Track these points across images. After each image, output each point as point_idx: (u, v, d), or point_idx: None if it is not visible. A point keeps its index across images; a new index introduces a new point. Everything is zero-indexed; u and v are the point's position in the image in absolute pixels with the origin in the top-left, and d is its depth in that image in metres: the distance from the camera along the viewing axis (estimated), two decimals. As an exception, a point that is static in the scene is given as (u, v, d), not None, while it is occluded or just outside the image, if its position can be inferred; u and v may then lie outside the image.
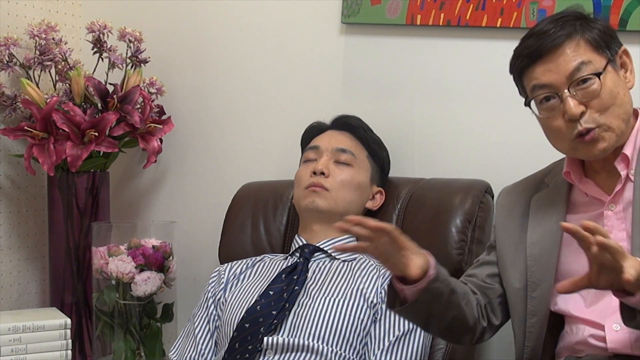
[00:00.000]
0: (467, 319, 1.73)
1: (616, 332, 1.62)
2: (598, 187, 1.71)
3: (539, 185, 1.81)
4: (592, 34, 1.66)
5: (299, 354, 1.95)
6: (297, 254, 2.16)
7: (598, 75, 1.63)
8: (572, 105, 1.63)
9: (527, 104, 1.71)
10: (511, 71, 1.73)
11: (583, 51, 1.64)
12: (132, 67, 2.54)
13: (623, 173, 1.66)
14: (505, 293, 1.79)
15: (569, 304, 1.71)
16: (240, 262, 2.22)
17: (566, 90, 1.63)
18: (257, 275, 2.15)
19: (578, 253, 1.69)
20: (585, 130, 1.63)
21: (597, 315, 1.66)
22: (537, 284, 1.71)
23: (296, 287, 2.04)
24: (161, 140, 2.54)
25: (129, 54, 2.54)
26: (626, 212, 1.66)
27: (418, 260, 1.60)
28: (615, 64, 1.67)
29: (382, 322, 1.98)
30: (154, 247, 2.30)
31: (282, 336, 1.97)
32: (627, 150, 1.67)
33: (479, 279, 1.82)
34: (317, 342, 1.95)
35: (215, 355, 2.10)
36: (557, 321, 1.76)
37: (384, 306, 1.99)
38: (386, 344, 1.96)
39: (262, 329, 1.97)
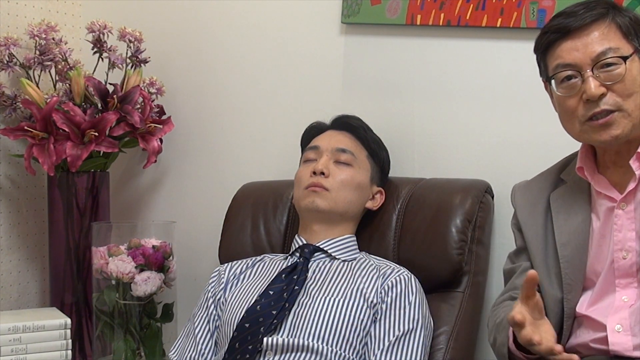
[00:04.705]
0: None
1: (618, 333, 1.62)
2: (610, 184, 1.69)
3: (555, 182, 1.79)
4: (623, 19, 1.64)
5: (298, 354, 1.95)
6: (297, 254, 2.16)
7: (624, 58, 1.61)
8: (593, 85, 1.61)
9: (548, 80, 1.69)
10: (536, 49, 1.72)
11: (612, 36, 1.63)
12: (132, 67, 2.54)
13: (638, 173, 1.64)
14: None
15: (580, 301, 1.70)
16: (240, 262, 2.22)
17: (589, 70, 1.62)
18: (257, 275, 2.15)
19: (598, 253, 1.67)
20: (603, 111, 1.61)
21: (598, 313, 1.65)
22: (571, 286, 1.69)
23: (296, 287, 2.04)
24: (161, 140, 2.54)
25: (129, 54, 2.54)
26: (637, 212, 1.64)
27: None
28: None
29: (382, 322, 1.98)
30: (154, 247, 2.30)
31: (282, 336, 1.97)
32: None
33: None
34: (317, 342, 1.95)
35: (215, 355, 2.10)
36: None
37: (383, 306, 1.99)
38: (386, 343, 1.96)
39: (262, 328, 1.97)
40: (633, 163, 1.65)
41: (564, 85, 1.66)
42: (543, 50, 1.70)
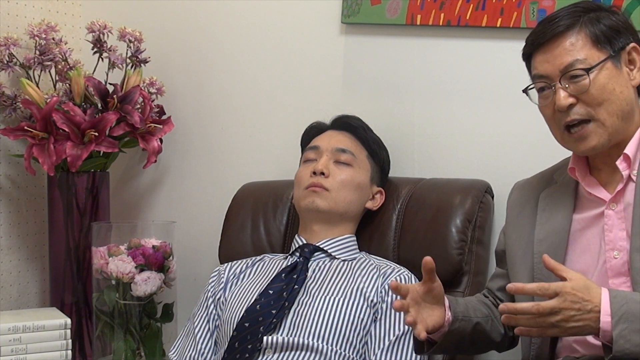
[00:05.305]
0: (492, 338, 1.82)
1: None
2: (601, 185, 1.72)
3: (548, 182, 1.83)
4: (595, 28, 1.67)
5: (298, 352, 1.95)
6: (297, 254, 2.16)
7: (587, 71, 1.64)
8: (562, 96, 1.66)
9: (526, 90, 1.74)
10: (522, 57, 1.77)
11: (581, 46, 1.66)
12: (132, 67, 2.54)
13: (625, 173, 1.67)
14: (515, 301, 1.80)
15: None
16: (240, 261, 2.22)
17: (558, 82, 1.66)
18: (257, 274, 2.15)
19: (581, 253, 1.70)
20: (573, 120, 1.66)
21: None
22: (543, 281, 1.69)
23: (296, 286, 2.04)
24: (161, 140, 2.54)
25: (129, 54, 2.54)
26: (627, 211, 1.66)
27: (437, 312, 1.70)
28: (617, 61, 1.67)
29: (383, 321, 1.99)
30: (154, 247, 2.30)
31: (281, 335, 1.97)
32: (630, 150, 1.67)
33: (493, 292, 1.88)
34: (317, 341, 1.95)
35: (215, 355, 2.10)
36: None
37: (384, 305, 2.00)
38: (386, 343, 1.96)
39: (261, 328, 1.97)
40: (620, 164, 1.67)
41: (540, 95, 1.72)
42: (526, 60, 1.76)
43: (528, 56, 1.74)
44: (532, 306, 1.50)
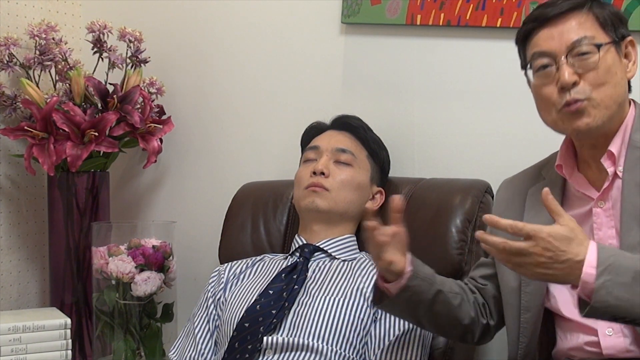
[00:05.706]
0: (461, 317, 1.77)
1: (609, 336, 1.61)
2: (589, 182, 1.70)
3: (536, 178, 1.81)
4: (602, 11, 1.65)
5: (298, 353, 1.95)
6: (297, 254, 2.16)
7: (598, 46, 1.62)
8: (567, 73, 1.62)
9: (524, 68, 1.70)
10: (516, 40, 1.73)
11: (589, 26, 1.64)
12: (132, 67, 2.54)
13: (610, 170, 1.65)
14: (500, 292, 1.79)
15: (559, 301, 1.69)
16: (240, 261, 2.22)
17: (563, 58, 1.63)
18: (257, 274, 2.15)
19: None
20: (573, 100, 1.62)
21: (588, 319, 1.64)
22: (529, 283, 1.70)
23: (296, 287, 2.04)
24: (161, 140, 2.54)
25: (129, 54, 2.54)
26: (615, 209, 1.64)
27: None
28: (619, 48, 1.66)
29: (382, 321, 1.98)
30: (154, 247, 2.30)
31: (281, 335, 1.97)
32: (614, 147, 1.65)
33: (475, 280, 1.86)
34: (317, 341, 1.95)
35: (215, 355, 2.10)
36: (552, 320, 1.74)
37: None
38: (386, 343, 1.96)
39: (261, 328, 1.97)
40: (605, 161, 1.66)
41: (539, 74, 1.67)
42: (522, 40, 1.71)
43: (527, 35, 1.69)
44: (500, 242, 1.47)
